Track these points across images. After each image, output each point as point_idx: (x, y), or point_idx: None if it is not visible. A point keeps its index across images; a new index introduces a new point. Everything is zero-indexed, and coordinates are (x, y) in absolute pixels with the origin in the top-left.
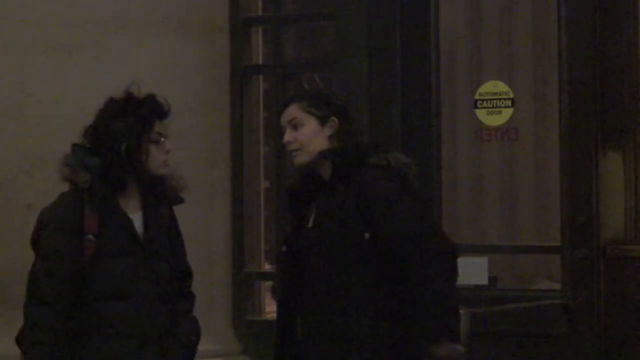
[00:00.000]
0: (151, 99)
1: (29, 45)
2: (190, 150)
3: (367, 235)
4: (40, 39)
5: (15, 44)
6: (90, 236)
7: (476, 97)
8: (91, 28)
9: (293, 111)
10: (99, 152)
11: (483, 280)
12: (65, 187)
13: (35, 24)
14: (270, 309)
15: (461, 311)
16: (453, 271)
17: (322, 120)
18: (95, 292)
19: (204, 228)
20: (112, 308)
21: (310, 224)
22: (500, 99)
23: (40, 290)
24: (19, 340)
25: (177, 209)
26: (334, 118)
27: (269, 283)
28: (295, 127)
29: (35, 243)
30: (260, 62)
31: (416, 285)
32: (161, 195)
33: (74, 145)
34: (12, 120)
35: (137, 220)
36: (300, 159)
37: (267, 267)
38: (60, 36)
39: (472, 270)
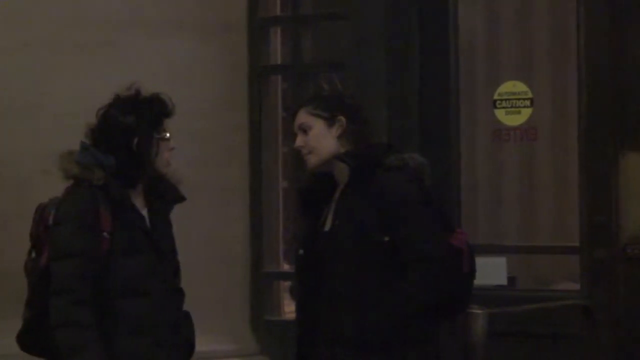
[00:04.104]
0: (158, 97)
1: (44, 45)
2: (208, 150)
3: (386, 238)
4: (56, 39)
5: (30, 44)
6: (105, 234)
7: (495, 97)
8: (107, 28)
9: (301, 116)
10: (111, 150)
11: (502, 280)
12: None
13: (51, 23)
14: (289, 309)
15: (479, 311)
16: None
17: (329, 121)
18: (110, 289)
19: (222, 228)
20: (127, 305)
21: (327, 227)
22: (519, 99)
23: (73, 290)
24: (20, 338)
25: (196, 210)
26: (340, 117)
27: (288, 283)
28: (304, 131)
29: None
30: (279, 62)
31: (397, 291)
32: (165, 193)
33: (84, 143)
34: (27, 120)
35: (145, 217)
36: (312, 161)
37: (285, 267)
38: (76, 36)
39: (491, 271)
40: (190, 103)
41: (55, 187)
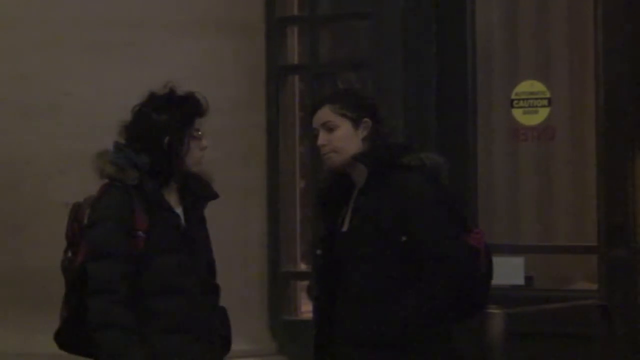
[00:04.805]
0: (192, 96)
1: (65, 45)
2: (226, 150)
3: (403, 238)
4: (77, 39)
5: (52, 44)
6: (140, 233)
7: (512, 96)
8: (128, 28)
9: (326, 114)
10: (143, 148)
11: (519, 280)
12: (101, 184)
13: (72, 23)
14: (306, 309)
15: (497, 311)
16: (451, 289)
17: (356, 122)
18: (146, 288)
19: (239, 228)
20: (163, 304)
21: (345, 228)
22: (536, 99)
23: (111, 290)
24: (58, 337)
25: (213, 209)
26: (367, 119)
27: (305, 283)
28: (329, 129)
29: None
30: (296, 61)
31: (415, 291)
32: (198, 190)
33: (118, 142)
34: (49, 120)
35: (179, 215)
36: (335, 161)
37: (302, 267)
38: (97, 35)
39: (508, 270)
40: (208, 102)
41: (75, 187)
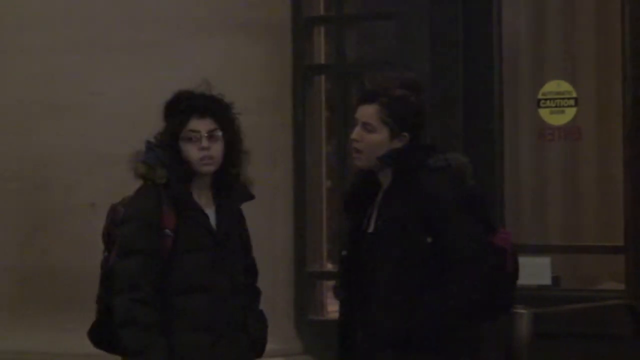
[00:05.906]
0: (186, 96)
1: (93, 45)
2: (252, 150)
3: (428, 240)
4: (105, 39)
5: (79, 44)
6: (168, 231)
7: (539, 96)
8: (155, 28)
9: (370, 114)
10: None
11: (546, 280)
12: (128, 184)
13: (100, 23)
14: (332, 309)
15: (524, 311)
16: (472, 292)
17: (395, 133)
18: (172, 286)
19: (266, 228)
20: (188, 302)
21: (370, 229)
22: (563, 99)
23: (136, 288)
24: (91, 335)
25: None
26: (406, 134)
27: (331, 282)
28: (367, 129)
29: (108, 236)
30: (323, 61)
31: (440, 292)
32: (232, 192)
33: (149, 142)
34: (76, 120)
35: (210, 215)
36: (361, 162)
37: (329, 266)
38: (124, 36)
39: (535, 270)
40: (235, 102)
41: (101, 187)
